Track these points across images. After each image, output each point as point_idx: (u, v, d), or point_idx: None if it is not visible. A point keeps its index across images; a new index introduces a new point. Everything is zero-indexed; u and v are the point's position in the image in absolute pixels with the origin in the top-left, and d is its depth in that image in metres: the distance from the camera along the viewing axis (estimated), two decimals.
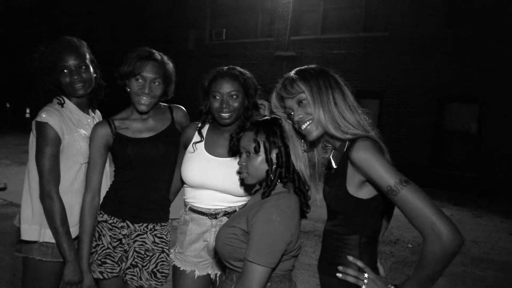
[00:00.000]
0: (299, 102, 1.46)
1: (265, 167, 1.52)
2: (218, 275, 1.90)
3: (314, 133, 1.44)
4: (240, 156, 1.60)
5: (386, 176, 1.29)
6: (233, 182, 1.82)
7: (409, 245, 5.17)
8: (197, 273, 1.87)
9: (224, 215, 1.86)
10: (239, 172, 1.64)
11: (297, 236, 1.51)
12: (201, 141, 1.90)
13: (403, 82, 9.42)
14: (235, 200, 1.86)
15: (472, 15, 8.80)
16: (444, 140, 9.19)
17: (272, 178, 1.50)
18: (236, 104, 1.82)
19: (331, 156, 1.54)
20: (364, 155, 1.32)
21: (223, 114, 1.80)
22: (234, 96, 1.81)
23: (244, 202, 1.85)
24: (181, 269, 1.88)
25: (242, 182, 1.72)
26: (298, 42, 11.20)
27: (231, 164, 1.83)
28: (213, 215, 1.85)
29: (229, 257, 1.52)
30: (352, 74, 9.04)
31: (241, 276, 1.43)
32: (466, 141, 8.94)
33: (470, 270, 4.48)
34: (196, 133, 1.92)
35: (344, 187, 1.40)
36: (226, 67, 1.88)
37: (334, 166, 1.49)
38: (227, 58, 12.38)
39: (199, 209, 1.87)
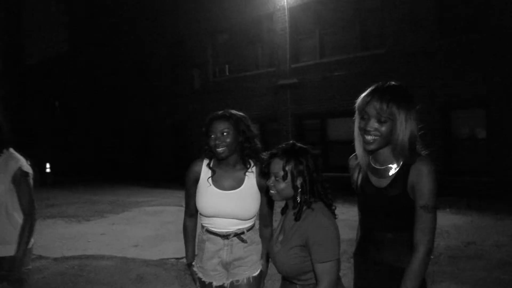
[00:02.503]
0: (380, 120, 1.59)
1: (291, 192, 1.76)
2: (229, 283, 2.20)
3: (372, 146, 1.62)
4: (269, 177, 1.81)
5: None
6: (240, 209, 2.15)
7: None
8: (214, 283, 2.22)
9: (234, 236, 2.18)
10: (267, 191, 1.89)
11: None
12: (213, 174, 2.20)
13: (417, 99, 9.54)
14: (243, 223, 2.19)
15: (461, 23, 9.01)
16: (454, 147, 9.22)
17: (299, 202, 1.74)
18: (228, 140, 2.11)
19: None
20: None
21: (218, 149, 2.11)
22: (225, 133, 2.11)
23: (251, 224, 2.21)
24: (202, 279, 2.25)
25: (270, 199, 1.96)
26: (299, 69, 11.51)
27: (236, 195, 2.16)
28: (225, 236, 2.18)
29: (297, 274, 1.76)
30: (354, 93, 9.20)
31: (319, 280, 1.66)
32: (475, 147, 8.96)
33: (493, 274, 4.47)
34: (205, 167, 2.23)
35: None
36: (221, 111, 2.19)
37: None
38: (231, 92, 12.75)
39: (214, 231, 2.20)
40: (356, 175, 1.76)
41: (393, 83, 1.65)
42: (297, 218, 1.74)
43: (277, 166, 1.76)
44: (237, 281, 2.17)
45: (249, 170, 2.17)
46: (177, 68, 14.92)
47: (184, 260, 2.84)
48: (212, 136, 2.12)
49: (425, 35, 9.33)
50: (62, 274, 4.96)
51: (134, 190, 12.71)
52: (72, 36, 19.75)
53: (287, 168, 1.73)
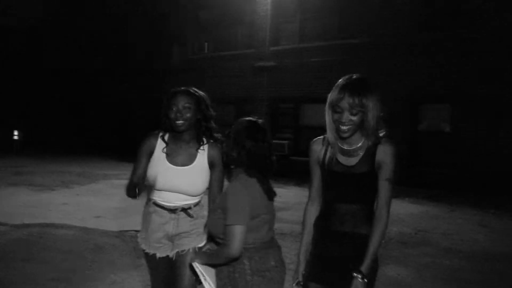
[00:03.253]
0: (353, 112, 1.78)
1: (234, 155, 1.93)
2: (175, 253, 2.27)
3: (347, 134, 1.82)
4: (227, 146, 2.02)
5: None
6: (190, 185, 2.23)
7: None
8: (158, 255, 2.29)
9: (181, 210, 2.26)
10: (226, 165, 2.08)
11: (264, 206, 1.91)
12: (167, 148, 2.26)
13: (380, 85, 9.72)
14: (191, 199, 2.27)
15: (439, 18, 9.19)
16: (420, 140, 9.50)
17: (237, 165, 1.94)
18: (188, 115, 2.19)
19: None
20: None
21: (178, 122, 2.18)
22: (186, 108, 2.19)
23: (198, 199, 2.31)
24: (146, 251, 2.32)
25: (221, 175, 2.23)
26: (278, 52, 11.53)
27: (188, 172, 2.23)
28: (172, 210, 2.25)
29: (218, 234, 1.92)
30: (331, 80, 9.31)
31: (226, 241, 1.82)
32: (441, 140, 9.26)
33: (438, 260, 4.72)
34: (160, 140, 2.29)
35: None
36: (184, 87, 2.28)
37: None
38: (209, 71, 12.69)
39: (161, 204, 2.27)
40: (321, 156, 1.93)
41: (359, 76, 1.84)
42: (228, 177, 2.01)
43: (230, 136, 1.97)
44: (183, 251, 2.24)
45: (202, 148, 2.25)
46: (157, 43, 14.69)
47: None
48: (174, 108, 2.18)
49: (403, 28, 9.46)
50: (20, 240, 4.98)
51: (106, 164, 12.62)
52: (47, 8, 19.05)
53: (235, 137, 1.93)
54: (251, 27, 12.14)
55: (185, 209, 2.25)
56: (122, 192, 2.50)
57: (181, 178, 2.21)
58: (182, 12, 13.71)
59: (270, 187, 1.96)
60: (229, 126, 2.05)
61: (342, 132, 1.80)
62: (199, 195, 2.29)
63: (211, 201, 2.29)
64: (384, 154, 1.81)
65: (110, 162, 12.95)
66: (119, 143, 15.49)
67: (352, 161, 1.86)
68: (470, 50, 8.69)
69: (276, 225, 2.13)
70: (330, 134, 1.87)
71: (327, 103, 1.85)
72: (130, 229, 5.43)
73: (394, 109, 9.51)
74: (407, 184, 8.40)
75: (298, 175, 9.27)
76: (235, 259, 1.82)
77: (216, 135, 2.29)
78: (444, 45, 8.97)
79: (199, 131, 2.25)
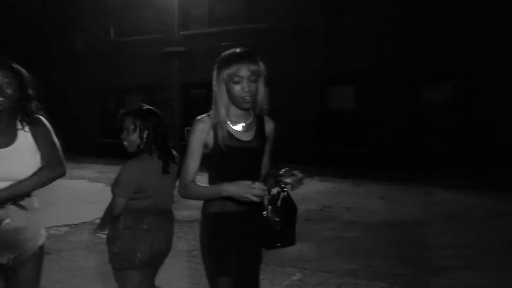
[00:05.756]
0: (252, 79, 1.77)
1: (138, 141, 2.18)
2: (11, 259, 1.88)
3: (249, 105, 1.81)
4: (122, 132, 2.23)
5: None
6: (17, 169, 1.87)
7: None
8: None
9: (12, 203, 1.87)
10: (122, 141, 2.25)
11: (154, 184, 2.19)
12: None
13: (288, 68, 9.91)
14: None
15: (340, 3, 9.56)
16: (327, 120, 9.90)
17: (141, 148, 2.18)
18: (9, 91, 1.89)
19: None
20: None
21: None
22: (7, 84, 1.88)
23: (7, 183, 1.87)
24: None
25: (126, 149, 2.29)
26: (187, 37, 11.22)
27: (11, 153, 1.89)
28: None
29: None
30: None
31: (108, 205, 2.22)
32: (346, 119, 9.73)
33: (338, 233, 4.93)
34: None
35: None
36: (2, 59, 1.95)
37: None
38: (116, 57, 12.00)
39: None
40: (211, 134, 1.83)
41: (242, 48, 1.83)
42: (131, 156, 2.20)
43: (128, 121, 2.20)
44: (20, 255, 1.90)
45: (25, 129, 1.94)
46: (56, 28, 13.51)
47: None
48: None
49: (308, 12, 9.71)
50: None
51: None
52: None
53: (136, 123, 2.17)
54: (159, 11, 11.65)
55: (15, 201, 1.88)
56: None
57: (3, 161, 1.86)
58: None
59: (168, 163, 2.22)
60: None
61: (246, 102, 1.77)
62: (7, 180, 1.87)
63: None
64: (272, 130, 1.95)
65: None
66: None
67: (247, 135, 1.86)
68: (368, 34, 9.17)
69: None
70: (223, 110, 1.81)
71: (220, 78, 1.79)
72: None
73: (303, 90, 9.80)
74: (316, 163, 8.72)
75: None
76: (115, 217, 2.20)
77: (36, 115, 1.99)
78: (345, 28, 9.37)
79: (22, 111, 1.94)
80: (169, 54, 11.35)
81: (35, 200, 1.99)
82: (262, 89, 1.83)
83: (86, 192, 7.33)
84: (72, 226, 5.39)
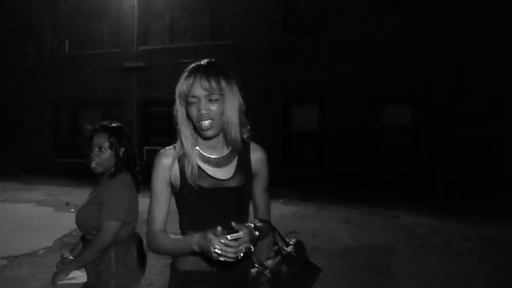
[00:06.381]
0: (211, 98, 1.42)
1: (113, 160, 2.08)
2: None
3: (210, 131, 1.44)
4: (91, 150, 2.08)
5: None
6: None
7: None
8: None
9: None
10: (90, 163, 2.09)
11: (135, 202, 2.10)
12: None
13: (249, 87, 9.74)
14: None
15: (304, 22, 9.56)
16: (291, 140, 9.77)
17: (119, 166, 2.07)
18: None
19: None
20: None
21: None
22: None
23: None
24: None
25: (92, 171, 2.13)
26: (146, 52, 10.83)
27: None
28: None
29: (90, 229, 2.01)
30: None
31: (97, 233, 1.95)
32: (309, 140, 9.63)
33: None
34: None
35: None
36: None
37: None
38: (71, 70, 11.42)
39: None
40: (176, 171, 1.47)
41: (209, 59, 1.50)
42: (113, 175, 2.07)
43: (102, 138, 2.06)
44: None
45: None
46: (6, 40, 12.71)
47: None
48: None
49: (271, 30, 9.62)
50: None
51: None
52: None
53: (111, 140, 2.06)
54: (117, 25, 11.20)
55: None
56: None
57: None
58: (38, 4, 12.08)
59: (139, 182, 2.15)
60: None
61: (205, 129, 1.40)
62: None
63: None
64: (261, 162, 1.55)
65: None
66: None
67: (225, 172, 1.47)
68: (327, 53, 9.18)
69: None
70: (186, 141, 1.46)
71: (176, 100, 1.46)
72: None
73: (266, 109, 9.63)
74: (280, 184, 8.51)
75: None
76: (103, 251, 1.96)
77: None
78: (308, 48, 9.34)
79: None
80: (127, 69, 10.90)
81: None
82: (231, 110, 1.43)
83: (31, 217, 6.72)
84: (12, 258, 4.83)
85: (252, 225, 1.38)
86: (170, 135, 10.29)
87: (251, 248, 1.31)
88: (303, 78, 9.44)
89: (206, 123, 1.40)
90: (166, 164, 1.47)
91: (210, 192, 1.44)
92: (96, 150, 2.06)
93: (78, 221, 2.07)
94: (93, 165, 2.07)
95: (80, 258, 1.97)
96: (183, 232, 1.51)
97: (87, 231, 2.03)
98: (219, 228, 1.27)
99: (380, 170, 8.88)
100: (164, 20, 10.82)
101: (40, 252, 5.08)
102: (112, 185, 2.02)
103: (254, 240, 1.34)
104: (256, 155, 1.54)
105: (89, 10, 11.54)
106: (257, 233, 1.37)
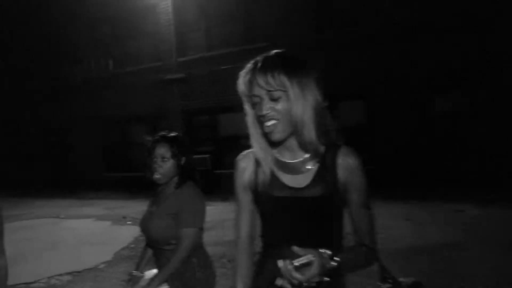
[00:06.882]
0: (273, 97, 1.24)
1: (175, 169, 2.06)
2: None
3: (276, 135, 1.26)
4: (154, 161, 2.06)
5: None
6: None
7: None
8: None
9: None
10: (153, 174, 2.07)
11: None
12: None
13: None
14: None
15: (337, 20, 9.32)
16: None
17: (183, 175, 2.06)
18: None
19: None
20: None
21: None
22: None
23: None
24: None
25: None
26: (186, 63, 10.99)
27: None
28: None
29: (168, 239, 2.01)
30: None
31: (180, 243, 1.95)
32: (359, 135, 9.33)
33: None
34: None
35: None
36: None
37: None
38: (115, 89, 11.79)
39: None
40: (252, 176, 1.35)
41: (275, 50, 1.30)
42: (178, 185, 2.05)
43: (164, 148, 2.05)
44: None
45: None
46: (53, 62, 13.36)
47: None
48: None
49: (306, 29, 9.46)
50: None
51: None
52: None
53: (173, 149, 2.04)
54: (155, 39, 11.46)
55: None
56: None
57: None
58: (79, 28, 12.61)
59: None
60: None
61: (267, 131, 1.24)
62: None
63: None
64: (350, 169, 1.26)
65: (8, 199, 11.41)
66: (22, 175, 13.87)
67: (301, 180, 1.27)
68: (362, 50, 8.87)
69: None
70: (255, 144, 1.31)
71: (243, 101, 1.32)
72: (20, 282, 4.53)
73: None
74: None
75: (224, 189, 8.80)
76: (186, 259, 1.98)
77: None
78: (344, 44, 9.08)
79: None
80: (169, 81, 11.10)
81: None
82: (299, 108, 1.21)
83: (91, 233, 6.91)
84: (75, 273, 4.96)
85: (329, 252, 1.14)
86: (215, 142, 10.37)
87: (322, 280, 1.09)
88: (345, 73, 9.18)
89: (268, 124, 1.24)
90: (243, 167, 1.37)
91: (280, 201, 1.27)
92: (159, 160, 2.05)
93: (152, 233, 2.05)
94: (156, 175, 2.04)
95: (166, 270, 1.96)
96: (261, 239, 1.39)
97: (165, 242, 2.02)
98: (286, 252, 1.09)
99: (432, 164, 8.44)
100: (200, 30, 10.93)
101: (101, 266, 5.17)
102: (186, 194, 2.02)
103: (325, 271, 1.10)
104: (345, 161, 1.26)
105: (128, 28, 11.90)
106: (333, 263, 1.13)
